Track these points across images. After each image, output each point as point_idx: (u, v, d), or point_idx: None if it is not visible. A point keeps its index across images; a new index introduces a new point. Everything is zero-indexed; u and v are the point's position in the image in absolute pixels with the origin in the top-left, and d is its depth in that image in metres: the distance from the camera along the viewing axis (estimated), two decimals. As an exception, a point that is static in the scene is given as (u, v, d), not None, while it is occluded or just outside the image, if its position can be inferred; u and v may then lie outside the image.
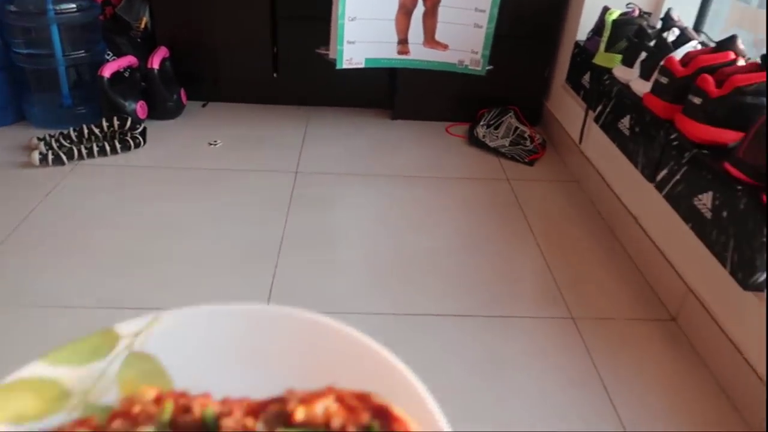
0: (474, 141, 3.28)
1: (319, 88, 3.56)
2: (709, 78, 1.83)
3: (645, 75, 2.22)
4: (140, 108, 3.18)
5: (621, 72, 2.43)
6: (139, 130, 3.02)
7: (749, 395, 1.72)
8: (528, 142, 3.25)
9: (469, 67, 3.25)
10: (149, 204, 2.59)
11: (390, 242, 2.46)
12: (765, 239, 1.50)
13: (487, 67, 3.22)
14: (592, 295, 2.19)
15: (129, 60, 3.17)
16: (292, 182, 2.83)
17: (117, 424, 0.60)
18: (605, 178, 2.71)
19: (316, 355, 0.70)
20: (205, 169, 2.91)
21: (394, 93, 3.51)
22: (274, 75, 3.51)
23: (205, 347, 0.72)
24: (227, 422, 0.62)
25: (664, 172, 2.01)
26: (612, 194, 2.62)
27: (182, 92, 3.38)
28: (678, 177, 1.93)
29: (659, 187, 2.05)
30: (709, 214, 1.74)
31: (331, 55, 3.13)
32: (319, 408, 0.64)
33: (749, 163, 1.60)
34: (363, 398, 0.67)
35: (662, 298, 2.16)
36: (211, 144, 3.12)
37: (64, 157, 2.77)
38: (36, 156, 2.71)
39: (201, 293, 2.10)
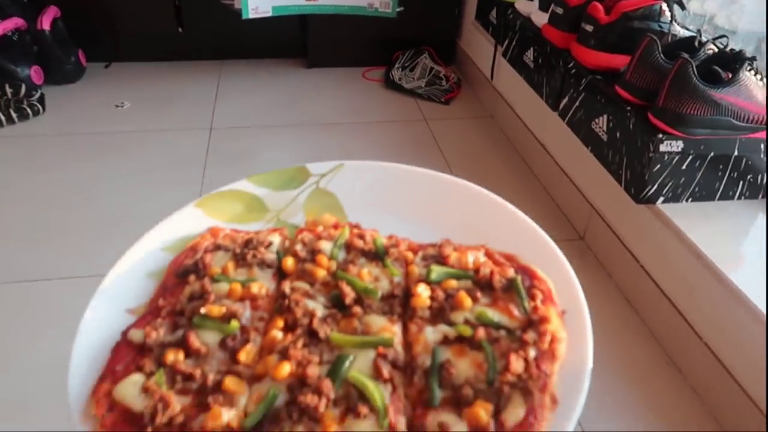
0: (390, 84, 3.29)
1: (228, 41, 3.44)
2: (599, 5, 1.90)
3: (543, 7, 2.27)
4: (35, 73, 2.97)
5: (522, 5, 2.48)
6: (36, 96, 2.84)
7: (647, 300, 1.89)
8: (443, 82, 3.29)
9: (380, 10, 3.22)
10: (55, 173, 2.47)
11: None
12: (651, 155, 1.63)
13: (398, 9, 3.20)
14: None
15: (15, 22, 2.95)
16: (206, 139, 2.76)
17: (303, 235, 0.78)
18: (516, 111, 2.81)
19: (474, 219, 0.82)
20: (113, 132, 2.78)
21: (307, 41, 3.45)
22: (179, 30, 3.35)
23: (377, 195, 0.87)
24: (393, 251, 0.75)
25: (565, 100, 2.10)
26: (522, 125, 2.72)
27: (80, 53, 3.18)
28: (577, 104, 2.02)
29: (562, 114, 2.14)
30: (605, 137, 1.86)
31: (236, 5, 3.03)
32: (470, 257, 0.73)
33: (636, 85, 1.70)
34: (509, 257, 0.77)
35: (571, 219, 2.31)
36: (117, 106, 2.97)
37: None
38: None
39: (117, 258, 2.05)
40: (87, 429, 0.58)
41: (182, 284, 0.73)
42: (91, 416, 0.59)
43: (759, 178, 1.76)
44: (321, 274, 0.73)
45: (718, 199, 1.79)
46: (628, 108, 1.73)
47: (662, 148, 1.62)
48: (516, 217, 0.81)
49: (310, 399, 0.58)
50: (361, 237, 0.78)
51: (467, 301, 0.68)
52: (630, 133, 1.73)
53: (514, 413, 0.58)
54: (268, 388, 0.61)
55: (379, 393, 0.59)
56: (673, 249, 1.74)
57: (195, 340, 0.64)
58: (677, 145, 1.62)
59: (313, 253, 0.76)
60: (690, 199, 1.77)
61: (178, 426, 0.58)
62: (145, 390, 0.60)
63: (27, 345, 1.80)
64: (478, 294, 0.70)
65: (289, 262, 0.75)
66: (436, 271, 0.72)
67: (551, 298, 0.69)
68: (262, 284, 0.72)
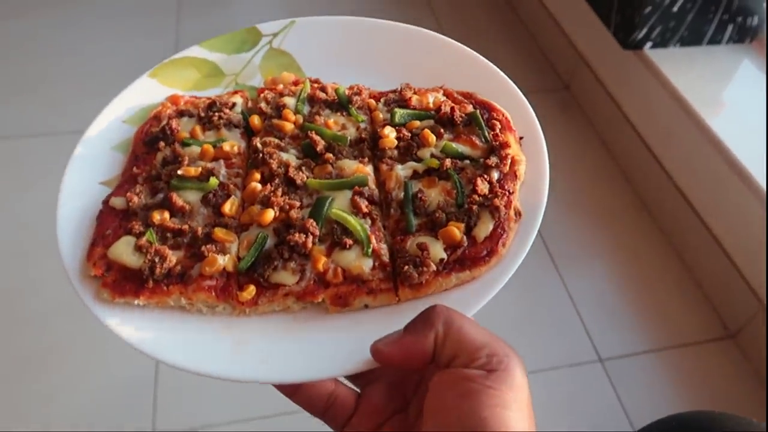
0: None
1: None
2: None
3: None
4: None
5: None
6: None
7: (625, 147, 1.95)
8: None
9: None
10: (20, 23, 2.26)
11: None
12: None
13: None
14: None
15: None
16: None
17: (265, 93, 0.78)
18: None
19: (431, 64, 0.82)
20: None
21: None
22: None
23: (333, 50, 0.86)
24: (356, 99, 0.77)
25: None
26: None
27: None
28: None
29: None
30: None
31: None
32: (430, 98, 0.76)
33: None
34: (467, 95, 0.80)
35: (556, 68, 2.27)
36: None
37: None
38: None
39: (92, 113, 2.02)
40: (88, 290, 0.61)
41: (153, 152, 0.73)
42: (90, 277, 0.62)
43: (749, 20, 1.74)
44: (289, 127, 0.74)
45: (706, 44, 1.78)
46: None
47: None
48: (471, 57, 0.82)
49: (298, 237, 0.62)
50: (323, 90, 0.79)
51: (432, 138, 0.72)
52: None
53: (484, 228, 0.64)
54: (257, 233, 0.65)
55: (360, 225, 0.64)
56: (655, 94, 1.76)
57: (178, 199, 0.66)
58: None
59: (278, 109, 0.77)
60: (678, 44, 1.76)
61: (177, 276, 0.62)
62: (139, 248, 0.63)
63: (8, 200, 1.80)
64: (442, 130, 0.73)
65: (255, 120, 0.76)
66: (400, 113, 0.75)
67: (509, 126, 0.74)
68: (233, 142, 0.74)
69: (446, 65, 0.83)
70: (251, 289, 0.61)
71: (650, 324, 1.63)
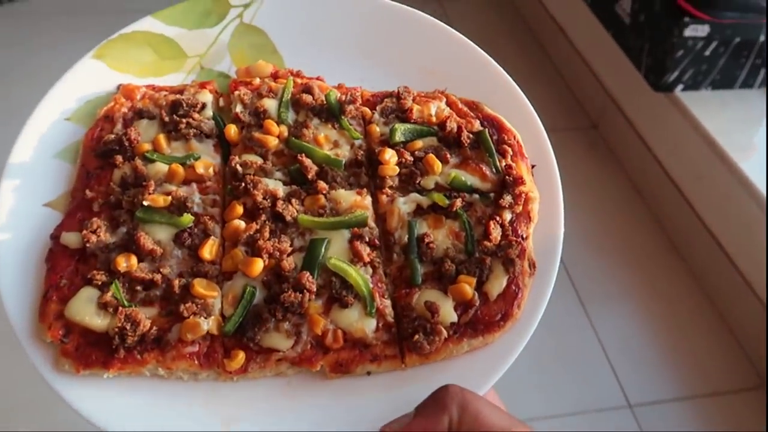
0: None
1: None
2: None
3: None
4: None
5: None
6: None
7: (655, 188, 1.92)
8: None
9: None
10: (55, 53, 1.94)
11: None
12: (675, 40, 1.56)
13: None
14: None
15: None
16: None
17: (242, 92, 0.65)
18: None
19: (427, 55, 0.71)
20: (108, 12, 2.15)
21: None
22: None
23: (314, 28, 0.72)
24: (350, 109, 0.65)
25: None
26: (541, 6, 2.48)
27: None
28: None
29: None
30: (628, 20, 1.75)
31: None
32: (432, 108, 0.65)
33: None
34: (473, 105, 0.68)
35: (585, 107, 2.22)
36: None
37: None
38: None
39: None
40: (43, 355, 0.52)
41: (108, 167, 0.62)
42: (46, 342, 0.53)
43: None
44: (273, 142, 0.64)
45: (739, 87, 1.76)
46: None
47: (687, 32, 1.56)
48: (472, 52, 0.73)
49: (293, 297, 0.55)
50: (309, 90, 0.68)
51: (437, 165, 0.64)
52: (655, 17, 1.64)
53: (497, 283, 0.59)
54: (243, 285, 0.56)
55: (362, 278, 0.57)
56: (686, 137, 1.74)
57: (146, 241, 0.56)
58: (703, 30, 1.56)
59: (258, 115, 0.65)
60: (710, 87, 1.74)
61: (152, 341, 0.53)
62: (104, 305, 0.53)
63: None
64: (447, 154, 0.65)
65: (232, 131, 0.65)
66: (400, 129, 0.66)
67: (521, 151, 0.66)
68: (207, 161, 0.63)
69: (444, 58, 0.73)
70: (240, 358, 0.54)
71: (681, 370, 1.60)
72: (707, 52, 1.68)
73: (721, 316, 1.73)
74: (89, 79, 0.67)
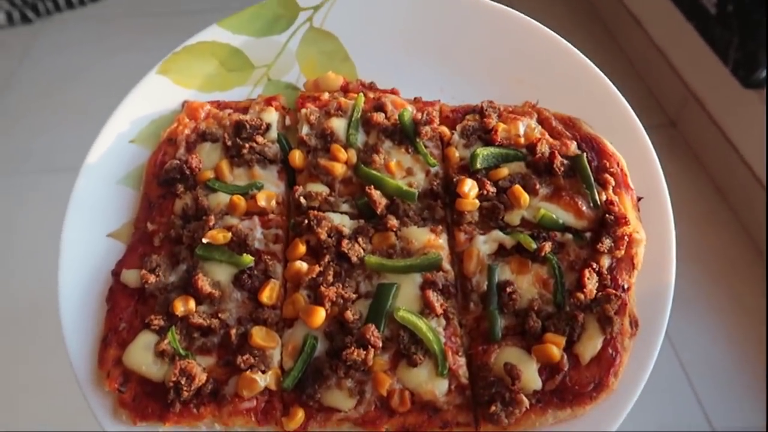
0: None
1: None
2: None
3: None
4: None
5: None
6: None
7: (742, 192, 1.73)
8: None
9: None
10: (127, 54, 2.13)
11: None
12: None
13: None
14: None
15: None
16: None
17: (307, 111, 0.61)
18: None
19: (514, 60, 0.63)
20: (180, 12, 2.42)
21: None
22: None
23: (389, 32, 0.66)
24: (425, 130, 0.59)
25: None
26: None
27: None
28: None
29: None
30: (714, 10, 1.57)
31: None
32: (521, 127, 0.60)
33: None
34: (569, 123, 0.60)
35: (662, 104, 2.04)
36: None
37: (30, 14, 2.40)
38: (1, 15, 2.40)
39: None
40: (103, 406, 0.51)
41: (169, 196, 0.59)
42: (105, 389, 0.51)
43: None
44: (339, 170, 0.58)
45: None
46: None
47: None
48: (569, 56, 0.63)
49: (356, 354, 0.50)
50: (381, 108, 0.61)
51: (524, 198, 0.56)
52: (746, 7, 1.45)
53: (591, 345, 0.51)
54: (304, 335, 0.52)
55: (433, 334, 0.51)
56: None
57: (204, 284, 0.53)
58: None
59: (325, 138, 0.60)
60: None
61: (209, 395, 0.50)
62: (160, 353, 0.51)
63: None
64: (536, 184, 0.56)
65: (297, 157, 0.59)
66: (482, 154, 0.58)
67: (626, 182, 0.57)
68: (270, 192, 0.58)
69: (537, 67, 0.64)
70: (299, 417, 0.50)
71: None
72: None
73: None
74: (154, 97, 0.64)
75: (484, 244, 0.55)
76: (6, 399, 1.39)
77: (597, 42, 2.46)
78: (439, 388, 0.50)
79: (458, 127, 0.61)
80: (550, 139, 0.59)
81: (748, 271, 1.71)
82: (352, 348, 0.50)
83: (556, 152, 0.57)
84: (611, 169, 0.57)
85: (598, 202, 0.56)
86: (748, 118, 1.74)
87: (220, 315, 0.53)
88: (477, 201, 0.56)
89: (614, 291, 0.52)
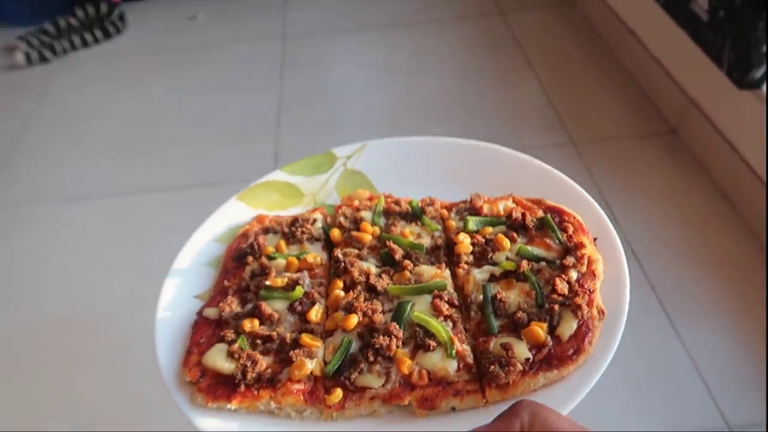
0: None
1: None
2: None
3: None
4: None
5: None
6: (117, 15, 2.91)
7: (747, 194, 1.77)
8: None
9: None
10: (141, 89, 2.58)
11: (389, 93, 2.43)
12: (760, 32, 1.48)
13: None
14: (593, 118, 2.20)
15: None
16: (280, 47, 2.76)
17: (343, 209, 0.84)
18: None
19: (498, 176, 0.85)
20: (189, 46, 2.84)
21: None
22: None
23: (403, 168, 0.92)
24: (429, 210, 0.82)
25: None
26: (609, 10, 2.51)
27: None
28: None
29: None
30: (705, 17, 1.70)
31: None
32: (501, 205, 0.80)
33: None
34: (536, 201, 0.84)
35: (663, 112, 2.17)
36: (190, 19, 3.00)
37: (48, 54, 2.72)
38: (20, 56, 2.71)
39: (208, 168, 2.17)
40: (183, 395, 0.64)
41: (241, 266, 0.79)
42: (184, 384, 0.65)
43: None
44: (367, 238, 0.79)
45: None
46: None
47: None
48: (537, 166, 0.86)
49: (382, 340, 0.64)
50: (397, 203, 0.84)
51: (506, 242, 0.74)
52: (736, 10, 1.55)
53: (568, 327, 0.64)
54: (341, 338, 0.67)
55: (442, 327, 0.65)
56: None
57: (266, 308, 0.70)
58: None
59: (356, 222, 0.82)
60: None
61: (267, 380, 0.63)
62: (231, 354, 0.65)
63: (134, 253, 1.93)
64: (514, 235, 0.76)
65: (336, 233, 0.81)
66: (472, 220, 0.78)
67: (582, 227, 0.75)
68: (316, 255, 0.78)
69: (513, 176, 0.87)
70: (338, 393, 0.62)
71: None
72: None
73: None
74: (233, 214, 0.88)
75: (479, 274, 0.72)
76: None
77: (596, 56, 2.55)
78: (450, 366, 0.63)
79: (453, 209, 0.83)
80: (522, 209, 0.80)
81: (754, 270, 1.68)
82: (380, 337, 0.64)
83: (527, 214, 0.78)
84: (570, 221, 0.76)
85: (562, 240, 0.74)
86: (746, 119, 1.72)
87: (277, 330, 0.68)
88: (470, 246, 0.75)
89: (581, 289, 0.67)
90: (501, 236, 0.75)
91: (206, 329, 0.70)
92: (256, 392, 0.63)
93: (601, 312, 0.65)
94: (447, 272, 0.73)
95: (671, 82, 2.13)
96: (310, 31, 2.88)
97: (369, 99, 2.45)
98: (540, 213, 0.78)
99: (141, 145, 2.32)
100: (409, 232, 0.79)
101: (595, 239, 0.75)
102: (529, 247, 0.73)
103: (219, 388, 0.63)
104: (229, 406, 0.62)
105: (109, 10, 2.93)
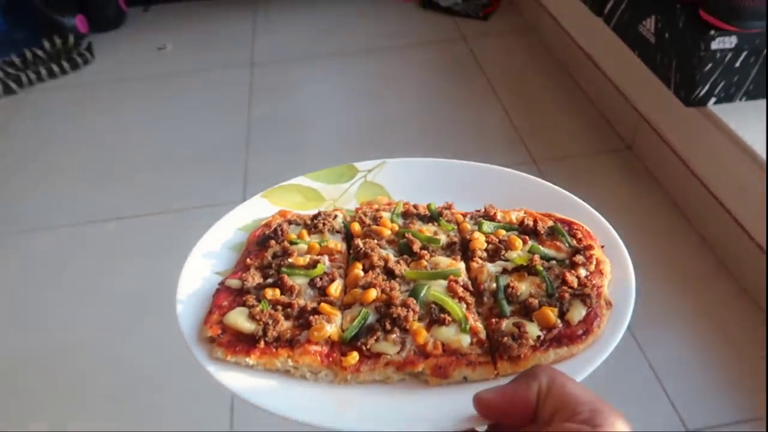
0: (426, 3, 3.25)
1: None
2: None
3: None
4: (80, 22, 3.03)
5: None
6: (85, 46, 2.94)
7: (697, 206, 1.88)
8: None
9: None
10: (109, 119, 2.59)
11: (357, 117, 2.50)
12: (702, 54, 1.60)
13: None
14: (552, 138, 2.32)
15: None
16: (249, 75, 2.82)
17: (363, 209, 0.89)
18: (559, 21, 2.77)
19: (511, 195, 0.88)
20: (159, 75, 2.87)
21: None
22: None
23: (420, 185, 0.95)
24: (446, 213, 0.86)
25: (610, 3, 2.07)
26: (566, 36, 2.67)
27: None
28: (623, 6, 1.99)
29: (607, 19, 2.11)
30: (653, 39, 1.81)
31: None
32: (513, 215, 0.85)
33: None
34: (547, 214, 0.88)
35: (617, 130, 2.31)
36: (160, 49, 3.05)
37: (13, 85, 2.71)
38: None
39: (175, 196, 2.16)
40: (202, 351, 0.65)
41: (264, 249, 0.82)
42: (204, 340, 0.67)
43: None
44: (386, 233, 0.83)
45: None
46: (678, 6, 1.70)
47: (714, 45, 1.58)
48: (547, 187, 0.92)
49: (400, 310, 0.67)
50: (415, 207, 0.89)
51: (518, 242, 0.79)
52: (680, 33, 1.67)
53: (577, 313, 0.67)
54: (359, 310, 0.69)
55: (457, 305, 0.68)
56: (725, 150, 1.71)
57: (288, 280, 0.73)
58: (730, 42, 1.57)
59: (376, 219, 0.86)
60: (744, 98, 1.71)
61: (286, 341, 0.66)
62: (252, 316, 0.68)
63: (101, 281, 1.89)
64: (527, 238, 0.80)
65: (356, 226, 0.85)
66: (486, 224, 0.83)
67: (590, 235, 0.80)
68: (337, 242, 0.82)
69: (525, 196, 0.92)
70: (354, 355, 0.64)
71: (741, 393, 1.51)
72: (737, 64, 1.62)
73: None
74: (256, 209, 0.92)
75: (492, 268, 0.76)
76: None
77: (554, 79, 2.66)
78: (464, 340, 0.65)
79: (468, 216, 0.87)
80: (534, 219, 0.84)
81: (709, 278, 1.74)
82: (398, 308, 0.67)
83: (539, 221, 0.82)
84: (579, 229, 0.81)
85: (572, 244, 0.78)
86: (694, 134, 1.82)
87: (297, 300, 0.71)
88: (485, 243, 0.79)
89: (590, 283, 0.70)
90: (514, 237, 0.79)
91: (228, 296, 0.73)
92: (275, 350, 0.64)
93: (608, 303, 0.69)
94: (461, 264, 0.77)
95: (625, 101, 2.25)
96: (278, 58, 2.97)
97: (337, 123, 2.52)
98: (550, 222, 0.83)
99: (108, 173, 2.34)
100: (426, 230, 0.83)
101: (602, 246, 0.79)
102: (540, 247, 0.77)
103: (238, 343, 0.65)
104: (247, 360, 0.64)
105: (76, 42, 2.96)
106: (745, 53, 1.63)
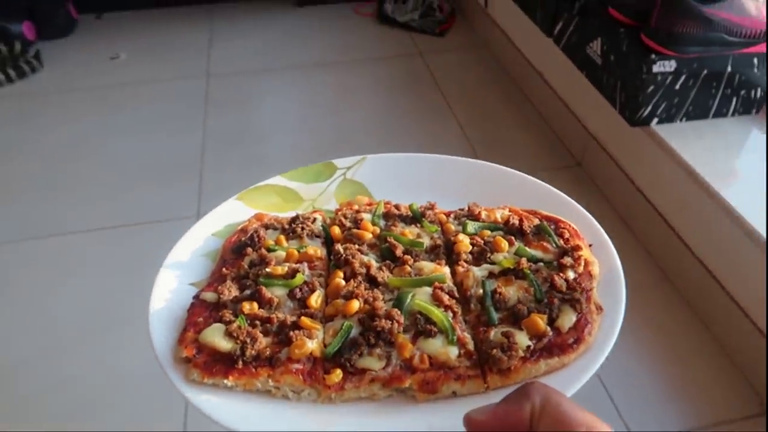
0: (383, 18, 3.23)
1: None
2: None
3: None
4: (27, 29, 2.86)
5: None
6: (32, 53, 2.79)
7: (642, 220, 1.95)
8: (437, 13, 3.20)
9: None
10: (58, 129, 2.48)
11: (314, 129, 2.47)
12: (645, 76, 1.66)
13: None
14: (505, 152, 2.32)
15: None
16: (204, 86, 2.75)
17: (342, 211, 0.84)
18: (512, 39, 2.80)
19: (494, 190, 0.86)
20: (111, 85, 2.77)
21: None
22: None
23: (401, 181, 0.92)
24: (429, 214, 0.82)
25: (559, 25, 2.12)
26: (519, 54, 2.72)
27: (71, 5, 3.06)
28: (571, 28, 2.04)
29: (557, 40, 2.15)
30: (599, 60, 1.87)
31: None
32: (498, 213, 0.82)
33: (629, 5, 1.73)
34: (532, 211, 0.85)
35: (568, 146, 2.34)
36: (113, 58, 2.93)
37: None
38: None
39: (128, 208, 2.09)
40: (177, 373, 0.62)
41: (240, 257, 0.78)
42: (179, 361, 0.63)
43: (752, 93, 1.78)
44: (368, 236, 0.79)
45: (712, 117, 1.81)
46: (622, 30, 1.76)
47: (655, 68, 1.65)
48: (530, 182, 0.89)
49: (384, 323, 0.64)
50: (397, 207, 0.86)
51: (504, 244, 0.76)
52: (624, 56, 1.74)
53: (567, 319, 0.65)
54: (342, 323, 0.66)
55: (443, 315, 0.65)
56: (667, 168, 1.78)
57: (266, 292, 0.69)
58: (670, 65, 1.65)
59: (356, 222, 0.82)
60: (684, 119, 1.79)
61: (266, 359, 0.62)
62: (230, 333, 0.64)
63: (47, 298, 1.80)
64: (513, 239, 0.77)
65: (336, 230, 0.81)
66: (471, 224, 0.80)
67: (577, 234, 0.78)
68: (316, 248, 0.78)
69: (509, 191, 0.89)
70: (338, 372, 0.61)
71: (683, 400, 1.55)
72: (677, 86, 1.70)
73: (719, 343, 1.63)
74: (231, 212, 0.88)
75: (478, 272, 0.73)
76: None
77: (508, 95, 2.70)
78: (451, 352, 0.63)
79: (451, 215, 0.84)
80: (519, 217, 0.82)
81: (654, 291, 1.80)
82: (382, 321, 0.64)
83: (524, 220, 0.80)
84: (566, 227, 0.79)
85: (559, 244, 0.76)
86: (639, 152, 1.90)
87: (276, 314, 0.68)
88: (469, 245, 0.76)
89: (579, 286, 0.68)
90: (499, 238, 0.77)
91: (203, 311, 0.69)
92: (254, 370, 0.61)
93: (599, 308, 0.67)
94: (446, 269, 0.74)
95: (574, 119, 2.31)
96: (235, 70, 2.90)
97: (294, 136, 2.49)
98: (536, 221, 0.81)
99: (57, 186, 2.23)
100: (408, 232, 0.80)
101: (590, 245, 0.77)
102: (527, 249, 0.75)
103: (216, 364, 0.62)
104: (225, 382, 0.61)
105: (23, 49, 2.81)
106: (684, 76, 1.70)
